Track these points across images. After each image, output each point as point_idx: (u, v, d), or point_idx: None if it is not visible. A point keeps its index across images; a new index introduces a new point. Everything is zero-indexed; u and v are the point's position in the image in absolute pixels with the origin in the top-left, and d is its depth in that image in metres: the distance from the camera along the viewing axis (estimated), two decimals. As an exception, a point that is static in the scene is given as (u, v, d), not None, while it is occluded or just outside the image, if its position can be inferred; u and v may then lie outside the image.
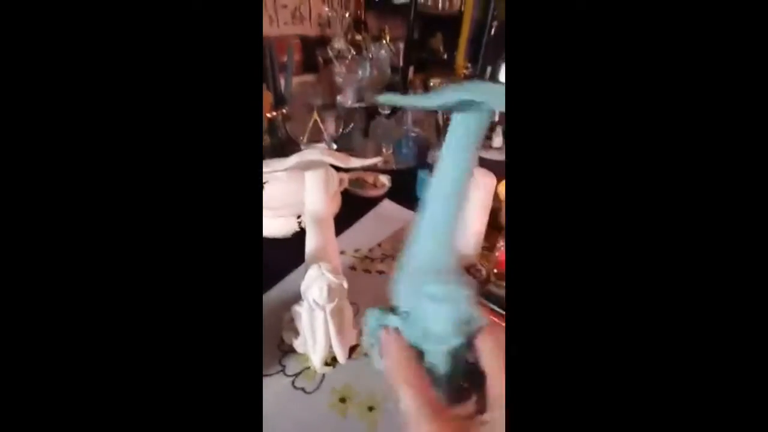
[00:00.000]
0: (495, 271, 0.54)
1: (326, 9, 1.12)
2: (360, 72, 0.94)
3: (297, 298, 0.39)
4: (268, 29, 1.03)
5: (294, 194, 0.55)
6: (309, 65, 1.12)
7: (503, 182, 0.65)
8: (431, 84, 1.12)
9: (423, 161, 0.89)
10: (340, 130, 0.88)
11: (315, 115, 0.81)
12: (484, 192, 0.52)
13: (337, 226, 0.51)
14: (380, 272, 0.55)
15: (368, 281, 0.53)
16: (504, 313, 0.46)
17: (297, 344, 0.40)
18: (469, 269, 0.56)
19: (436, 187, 0.23)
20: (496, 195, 0.56)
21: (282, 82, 0.87)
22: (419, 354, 0.21)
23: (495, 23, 1.30)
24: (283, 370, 0.39)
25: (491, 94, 0.20)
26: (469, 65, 1.27)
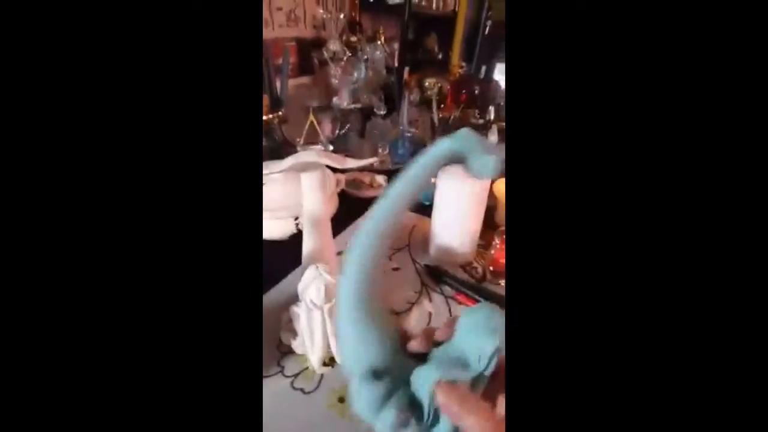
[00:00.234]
0: (491, 269, 0.54)
1: (321, 11, 1.12)
2: (355, 73, 0.94)
3: (295, 299, 0.39)
4: (264, 32, 1.03)
5: (291, 196, 0.55)
6: (304, 67, 1.12)
7: (498, 181, 0.66)
8: (426, 84, 1.12)
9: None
10: (336, 131, 0.89)
11: (311, 117, 0.81)
12: (479, 190, 0.52)
13: (334, 227, 0.52)
14: (378, 272, 0.55)
15: (366, 281, 0.54)
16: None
17: (295, 345, 0.40)
18: (466, 268, 0.56)
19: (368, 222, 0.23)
20: (491, 193, 0.57)
21: (278, 84, 0.88)
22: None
23: (489, 23, 1.30)
24: (281, 371, 0.39)
25: (483, 164, 0.22)
26: (464, 64, 1.28)
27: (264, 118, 0.80)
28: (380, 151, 0.87)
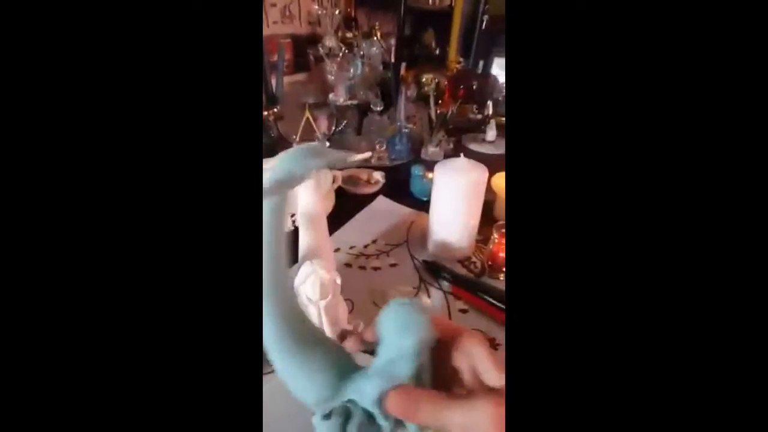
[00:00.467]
0: (489, 263, 0.54)
1: (316, 7, 1.12)
2: (351, 69, 0.94)
3: (291, 296, 0.39)
4: (258, 29, 1.02)
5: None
6: (300, 64, 1.11)
7: (496, 175, 0.65)
8: (423, 79, 1.12)
9: (416, 157, 0.89)
10: (333, 128, 0.88)
11: (307, 114, 0.81)
12: (477, 185, 0.52)
13: (331, 224, 0.51)
14: (375, 269, 0.55)
15: (363, 278, 0.53)
16: (500, 305, 0.46)
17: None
18: (464, 263, 0.56)
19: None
20: (489, 187, 0.56)
21: (273, 81, 0.87)
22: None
23: (486, 17, 1.29)
24: (279, 369, 0.39)
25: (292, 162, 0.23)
26: (462, 60, 1.27)
27: (260, 115, 0.80)
28: (377, 147, 0.86)
